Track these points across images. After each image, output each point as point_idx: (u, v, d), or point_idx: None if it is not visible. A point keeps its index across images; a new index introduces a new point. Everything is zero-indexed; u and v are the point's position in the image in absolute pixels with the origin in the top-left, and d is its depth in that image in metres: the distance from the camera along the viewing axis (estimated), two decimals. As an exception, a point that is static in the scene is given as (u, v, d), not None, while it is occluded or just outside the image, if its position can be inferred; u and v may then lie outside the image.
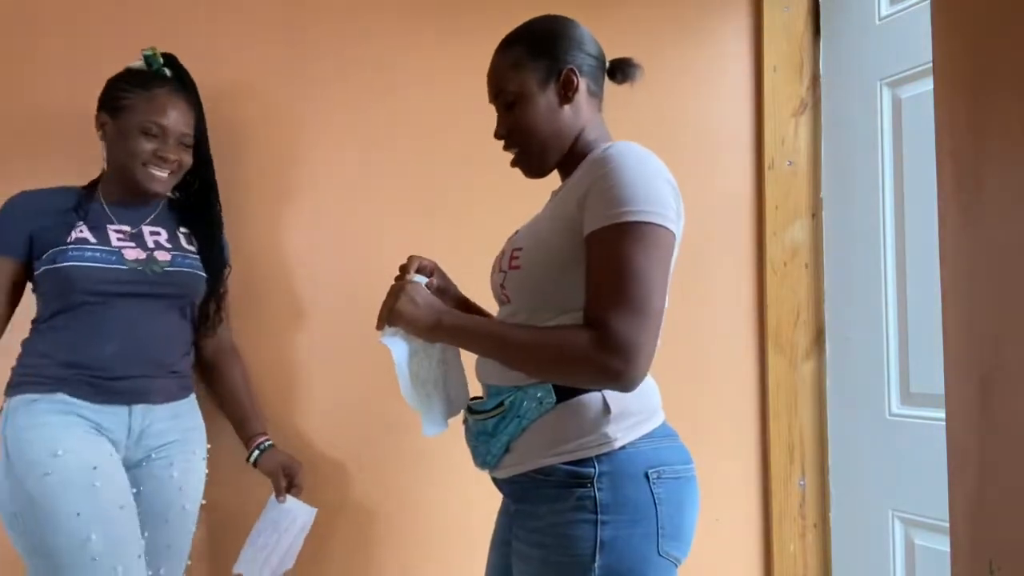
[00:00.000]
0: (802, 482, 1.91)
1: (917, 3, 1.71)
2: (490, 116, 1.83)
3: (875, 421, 1.77)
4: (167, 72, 1.50)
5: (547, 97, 1.15)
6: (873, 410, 1.77)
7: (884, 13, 1.80)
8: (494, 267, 1.21)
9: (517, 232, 1.20)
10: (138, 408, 1.41)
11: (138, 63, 1.48)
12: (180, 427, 1.48)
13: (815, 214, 1.94)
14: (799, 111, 1.95)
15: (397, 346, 1.16)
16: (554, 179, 1.24)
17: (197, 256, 1.52)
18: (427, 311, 1.13)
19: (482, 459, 1.14)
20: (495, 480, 1.18)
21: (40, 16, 1.69)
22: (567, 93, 1.15)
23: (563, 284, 1.08)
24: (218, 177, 1.77)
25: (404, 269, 1.23)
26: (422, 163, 1.83)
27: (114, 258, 1.40)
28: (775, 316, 1.92)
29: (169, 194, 1.51)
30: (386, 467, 1.78)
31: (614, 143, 1.12)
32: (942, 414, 0.76)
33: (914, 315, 1.70)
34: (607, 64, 1.21)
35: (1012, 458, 0.63)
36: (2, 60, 1.68)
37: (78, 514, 1.27)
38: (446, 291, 1.29)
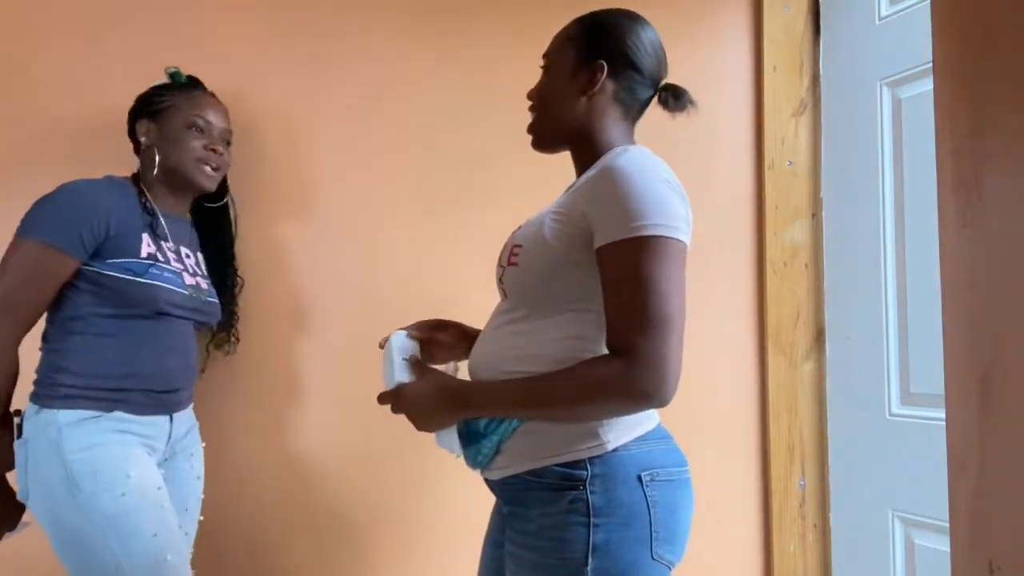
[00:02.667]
0: (802, 482, 1.91)
1: (917, 3, 1.71)
2: (495, 116, 1.83)
3: (875, 421, 1.77)
4: (190, 83, 1.56)
5: (571, 81, 1.17)
6: (873, 410, 1.77)
7: (884, 13, 1.80)
8: (498, 261, 1.21)
9: (520, 227, 1.19)
10: (176, 416, 1.47)
11: (163, 81, 1.54)
12: (191, 424, 1.55)
13: (815, 214, 1.94)
14: (799, 111, 1.95)
15: (448, 439, 1.15)
16: (566, 173, 1.24)
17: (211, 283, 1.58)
18: (438, 411, 1.11)
19: (473, 459, 1.14)
20: (487, 481, 1.17)
21: (45, 20, 1.69)
22: (587, 85, 1.16)
23: (561, 285, 1.08)
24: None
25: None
26: (426, 162, 1.83)
27: (180, 281, 1.45)
28: (775, 316, 1.92)
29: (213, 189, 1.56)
30: (384, 467, 1.78)
31: (627, 149, 1.12)
32: (942, 414, 0.76)
33: (914, 315, 1.70)
34: (659, 82, 1.20)
35: (1012, 458, 0.63)
36: (4, 67, 1.69)
37: (155, 535, 1.30)
38: (446, 330, 1.30)
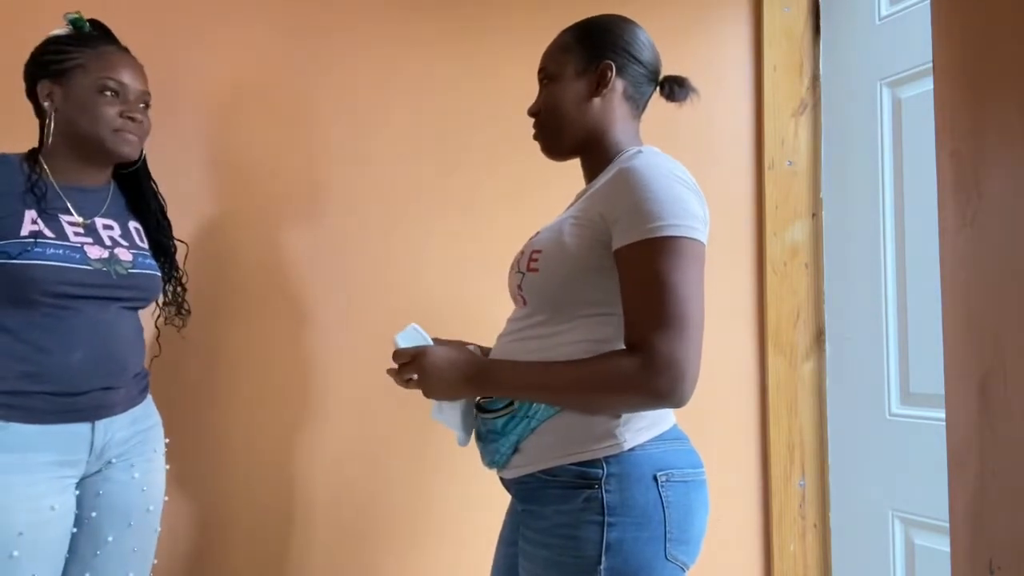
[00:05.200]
0: (802, 482, 1.91)
1: (917, 3, 1.71)
2: (496, 117, 1.84)
3: (875, 421, 1.77)
4: (97, 35, 1.38)
5: (579, 85, 1.18)
6: (873, 410, 1.77)
7: (884, 13, 1.80)
8: (512, 267, 1.20)
9: (538, 233, 1.19)
10: (101, 424, 1.29)
11: (62, 29, 1.36)
12: (139, 429, 1.37)
13: (815, 214, 1.94)
14: (799, 111, 1.95)
15: (450, 415, 1.16)
16: (567, 178, 1.24)
17: (150, 253, 1.42)
18: (451, 380, 1.11)
19: (491, 458, 1.14)
20: (503, 480, 1.18)
21: (41, 16, 1.69)
22: (598, 86, 1.17)
23: (581, 289, 1.08)
24: (220, 179, 1.78)
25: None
26: (431, 164, 1.83)
27: (78, 256, 1.26)
28: (775, 316, 1.92)
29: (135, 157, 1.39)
30: (388, 464, 1.78)
31: (641, 150, 1.13)
32: (942, 414, 0.76)
33: (914, 315, 1.70)
34: (659, 77, 1.22)
35: (1012, 458, 0.63)
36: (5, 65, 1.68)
37: None
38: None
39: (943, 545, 1.58)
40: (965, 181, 0.69)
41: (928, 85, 1.64)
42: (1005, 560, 0.63)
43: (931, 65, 0.79)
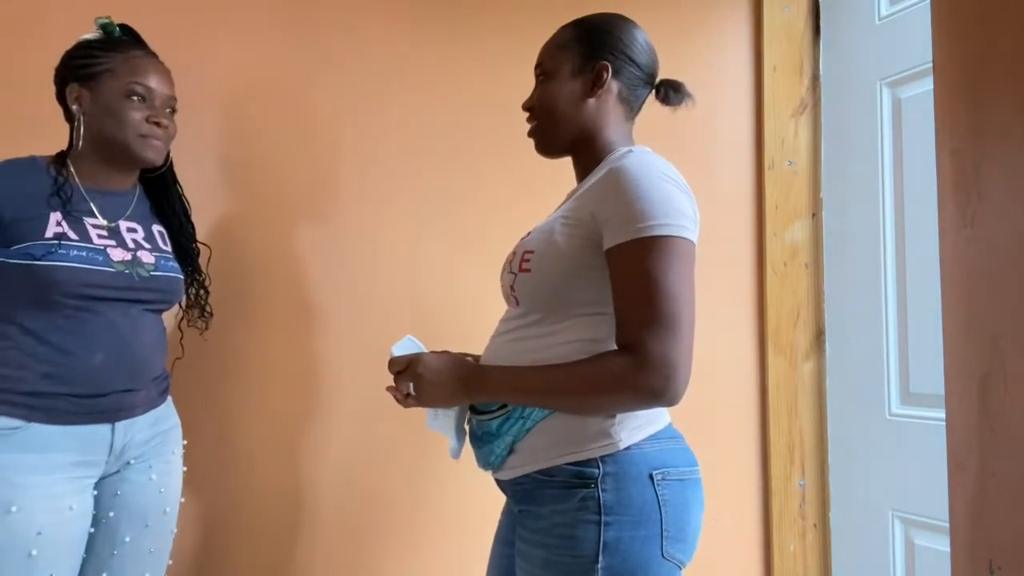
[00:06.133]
0: (802, 482, 1.91)
1: (917, 3, 1.71)
2: (497, 118, 1.84)
3: (875, 421, 1.77)
4: (127, 40, 1.40)
5: (574, 84, 1.18)
6: (873, 410, 1.78)
7: (884, 13, 1.80)
8: (504, 268, 1.20)
9: (529, 234, 1.19)
10: (121, 425, 1.30)
11: (93, 33, 1.38)
12: (158, 430, 1.39)
13: (815, 214, 1.94)
14: (799, 111, 1.95)
15: (445, 422, 1.17)
16: (567, 177, 1.24)
17: (173, 256, 1.44)
18: (446, 385, 1.13)
19: (486, 460, 1.14)
20: (498, 482, 1.18)
21: (44, 18, 1.69)
22: (593, 87, 1.17)
23: (574, 289, 1.08)
24: (226, 179, 1.78)
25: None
26: (429, 165, 1.83)
27: (101, 259, 1.28)
28: (775, 316, 1.92)
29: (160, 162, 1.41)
30: (392, 465, 1.78)
31: (632, 150, 1.13)
32: (942, 414, 0.76)
33: (914, 315, 1.70)
34: (655, 80, 1.22)
35: (1012, 458, 0.63)
36: (4, 67, 1.69)
37: None
38: None
39: (943, 545, 1.58)
40: (965, 181, 0.69)
41: (928, 85, 1.64)
42: (1005, 560, 0.63)
43: (931, 65, 0.79)
